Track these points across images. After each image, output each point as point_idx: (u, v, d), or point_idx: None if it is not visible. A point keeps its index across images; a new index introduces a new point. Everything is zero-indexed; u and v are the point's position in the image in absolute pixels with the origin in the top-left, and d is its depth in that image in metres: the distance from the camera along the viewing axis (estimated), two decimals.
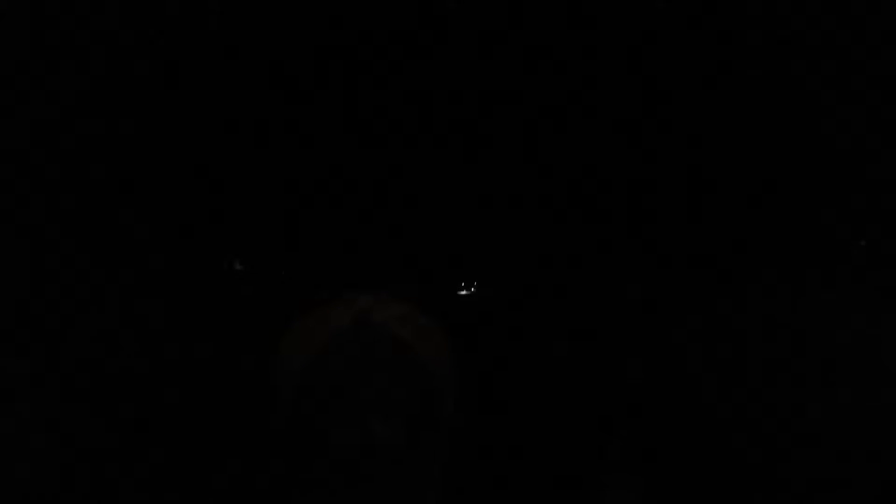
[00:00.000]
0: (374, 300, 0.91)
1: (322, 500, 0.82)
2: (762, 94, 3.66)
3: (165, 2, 3.56)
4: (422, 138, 3.94)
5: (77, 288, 2.81)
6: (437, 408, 0.87)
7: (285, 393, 0.87)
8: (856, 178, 3.56)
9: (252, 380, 2.89)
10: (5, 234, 2.86)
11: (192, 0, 3.62)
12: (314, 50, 3.74)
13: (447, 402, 0.90)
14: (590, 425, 2.76)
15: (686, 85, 3.75)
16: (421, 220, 4.03)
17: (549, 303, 3.58)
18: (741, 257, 3.41)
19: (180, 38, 3.66)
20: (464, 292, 4.58)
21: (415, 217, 4.02)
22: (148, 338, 2.67)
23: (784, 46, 3.56)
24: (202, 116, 3.77)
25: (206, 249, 3.81)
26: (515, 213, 3.97)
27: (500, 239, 4.10)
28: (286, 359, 0.89)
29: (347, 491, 0.81)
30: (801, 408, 2.70)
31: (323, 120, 3.85)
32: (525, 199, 4.01)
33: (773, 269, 3.33)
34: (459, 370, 0.98)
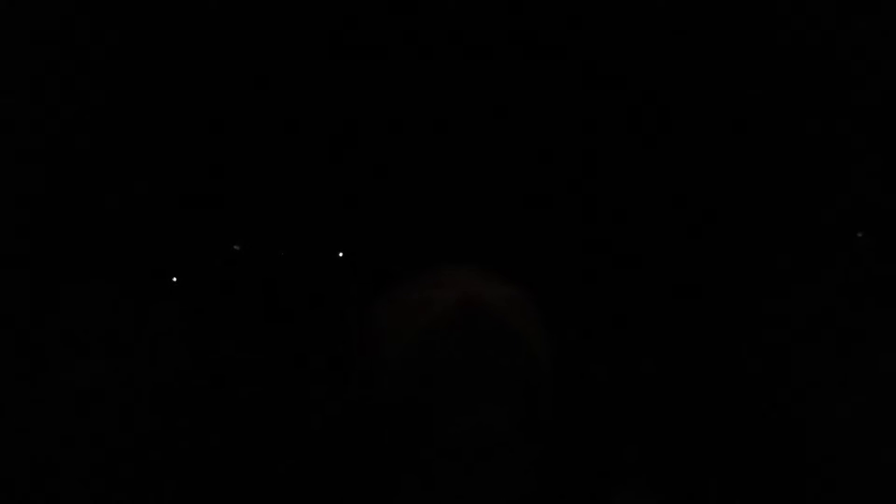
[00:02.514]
0: (478, 277, 0.86)
1: (427, 489, 0.78)
2: (758, 93, 3.68)
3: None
4: (426, 124, 3.91)
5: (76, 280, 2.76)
6: (540, 391, 0.84)
7: (386, 378, 0.82)
8: (852, 172, 3.59)
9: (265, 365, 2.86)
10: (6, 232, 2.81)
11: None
12: (323, 33, 3.70)
13: (548, 384, 0.86)
14: (601, 427, 2.75)
15: (684, 85, 3.75)
16: (422, 204, 4.00)
17: (558, 298, 3.57)
18: (744, 256, 3.43)
19: (174, 26, 3.60)
20: None
21: (417, 200, 3.98)
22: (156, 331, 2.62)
23: (781, 45, 3.57)
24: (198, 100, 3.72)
25: (206, 232, 3.76)
26: (521, 204, 3.95)
27: (505, 230, 4.08)
28: (383, 342, 0.84)
29: (454, 479, 0.77)
30: (810, 409, 2.69)
31: (327, 108, 3.81)
32: (531, 192, 3.99)
33: (773, 265, 3.35)
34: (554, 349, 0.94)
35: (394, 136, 3.85)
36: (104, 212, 3.33)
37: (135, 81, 3.56)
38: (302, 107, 3.83)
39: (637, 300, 3.26)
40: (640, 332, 3.03)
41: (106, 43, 3.34)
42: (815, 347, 2.63)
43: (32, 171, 3.09)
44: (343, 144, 3.82)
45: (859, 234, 4.03)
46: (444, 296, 0.83)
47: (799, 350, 2.60)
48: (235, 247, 4.14)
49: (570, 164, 3.79)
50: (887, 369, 2.48)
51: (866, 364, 2.52)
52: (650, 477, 2.52)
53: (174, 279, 3.74)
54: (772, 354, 2.66)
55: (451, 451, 0.77)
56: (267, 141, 3.90)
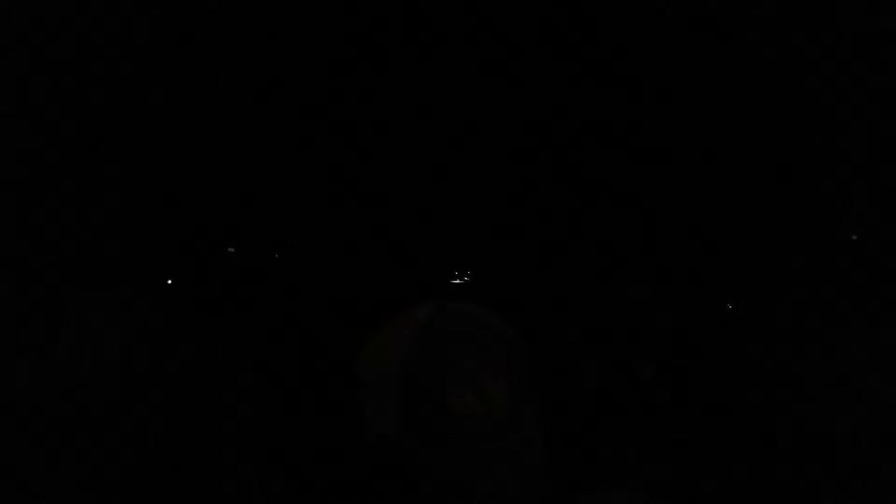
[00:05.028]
0: (436, 301, 0.94)
1: (447, 463, 0.84)
2: (756, 96, 3.69)
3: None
4: (420, 130, 3.92)
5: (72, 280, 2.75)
6: (528, 367, 0.92)
7: (391, 384, 0.88)
8: (848, 175, 3.60)
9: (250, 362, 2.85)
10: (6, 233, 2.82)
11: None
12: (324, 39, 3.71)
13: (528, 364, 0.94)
14: (587, 423, 2.77)
15: (681, 87, 3.77)
16: (420, 210, 4.02)
17: (549, 299, 3.59)
18: (739, 258, 3.45)
19: (179, 31, 3.61)
20: (457, 281, 4.57)
21: (413, 207, 4.00)
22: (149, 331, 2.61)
23: (780, 49, 3.59)
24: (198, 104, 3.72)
25: (201, 235, 3.76)
26: (512, 206, 3.97)
27: (495, 230, 4.10)
28: (382, 357, 0.91)
29: (471, 451, 0.83)
30: (802, 407, 2.71)
31: (322, 117, 3.83)
32: (521, 194, 4.01)
33: (770, 268, 3.37)
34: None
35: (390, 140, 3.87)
36: (99, 214, 3.33)
37: (132, 83, 3.56)
38: (300, 112, 3.85)
39: (634, 304, 3.27)
40: (636, 335, 3.04)
41: (103, 44, 3.34)
42: (809, 351, 2.63)
43: (21, 171, 3.10)
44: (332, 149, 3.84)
45: (854, 237, 4.04)
46: (421, 310, 0.92)
47: (793, 354, 2.60)
48: (230, 249, 4.15)
49: (563, 167, 3.82)
50: (883, 371, 2.48)
51: (861, 368, 2.53)
52: (643, 478, 2.53)
53: (168, 281, 3.74)
54: (766, 358, 2.67)
55: (466, 427, 0.83)
56: (262, 146, 3.92)
